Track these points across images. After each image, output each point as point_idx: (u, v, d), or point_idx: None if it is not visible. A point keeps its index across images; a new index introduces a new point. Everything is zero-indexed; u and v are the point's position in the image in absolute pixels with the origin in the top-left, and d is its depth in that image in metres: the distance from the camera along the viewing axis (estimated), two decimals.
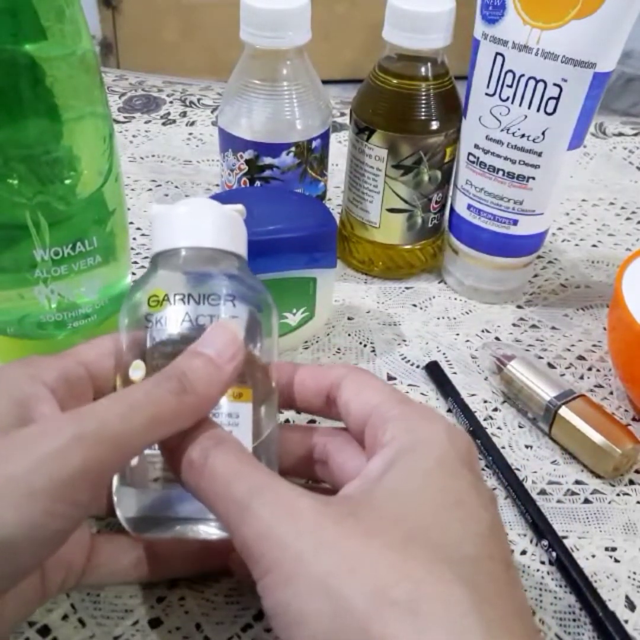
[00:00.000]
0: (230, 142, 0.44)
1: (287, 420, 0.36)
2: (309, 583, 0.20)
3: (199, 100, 0.69)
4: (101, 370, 0.27)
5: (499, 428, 0.38)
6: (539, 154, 0.40)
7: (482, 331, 0.44)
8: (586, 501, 0.34)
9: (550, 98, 0.38)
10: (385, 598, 0.19)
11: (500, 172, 0.41)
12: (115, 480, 0.26)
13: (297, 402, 0.29)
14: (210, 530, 0.25)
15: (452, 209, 0.46)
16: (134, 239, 0.50)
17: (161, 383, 0.23)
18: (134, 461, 0.25)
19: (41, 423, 0.23)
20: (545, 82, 0.38)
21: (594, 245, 0.53)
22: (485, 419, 0.38)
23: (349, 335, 0.43)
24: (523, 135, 0.40)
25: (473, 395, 0.39)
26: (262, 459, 0.26)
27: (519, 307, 0.46)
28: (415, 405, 0.26)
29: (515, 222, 0.43)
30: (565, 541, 0.32)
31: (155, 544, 0.28)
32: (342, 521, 0.21)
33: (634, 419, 0.39)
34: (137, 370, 0.26)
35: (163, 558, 0.28)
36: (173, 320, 0.26)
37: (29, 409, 0.24)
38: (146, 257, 0.48)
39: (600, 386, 0.41)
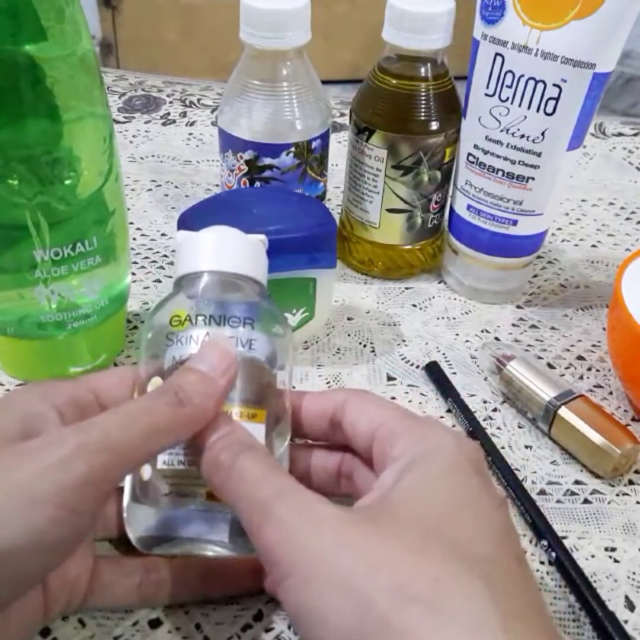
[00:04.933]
0: (230, 143, 0.44)
1: None
2: (330, 582, 0.21)
3: (199, 100, 0.69)
4: (112, 400, 0.27)
5: (498, 428, 0.38)
6: (539, 155, 0.40)
7: (482, 331, 0.44)
8: (586, 501, 0.34)
9: (549, 98, 0.38)
10: (406, 594, 0.20)
11: (500, 173, 0.41)
12: (126, 496, 0.27)
13: (304, 428, 0.29)
14: (217, 549, 0.26)
15: (451, 209, 0.46)
16: (134, 239, 0.50)
17: (158, 396, 0.24)
18: (146, 475, 0.26)
19: (47, 435, 0.23)
20: (544, 83, 0.38)
21: (594, 246, 0.53)
22: (484, 419, 0.38)
23: (349, 335, 0.43)
24: (522, 136, 0.40)
25: (473, 395, 0.39)
26: None
27: (519, 307, 0.46)
28: (421, 418, 0.27)
29: (514, 223, 0.43)
30: (564, 541, 0.32)
31: (157, 569, 0.28)
32: (360, 525, 0.22)
33: (633, 419, 0.39)
34: (154, 387, 0.26)
35: (165, 583, 0.28)
36: (194, 340, 0.27)
37: (35, 425, 0.24)
38: (146, 257, 0.48)
39: (599, 386, 0.41)
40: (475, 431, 0.36)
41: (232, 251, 0.29)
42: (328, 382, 0.40)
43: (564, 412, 0.35)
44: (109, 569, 0.27)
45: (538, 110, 0.39)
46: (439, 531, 0.22)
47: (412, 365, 0.41)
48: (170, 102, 0.68)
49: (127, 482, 0.27)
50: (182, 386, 0.25)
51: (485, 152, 0.41)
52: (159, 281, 0.47)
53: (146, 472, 0.26)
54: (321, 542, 0.21)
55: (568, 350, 0.43)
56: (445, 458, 0.24)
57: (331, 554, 0.21)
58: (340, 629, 0.20)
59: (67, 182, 0.31)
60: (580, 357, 0.42)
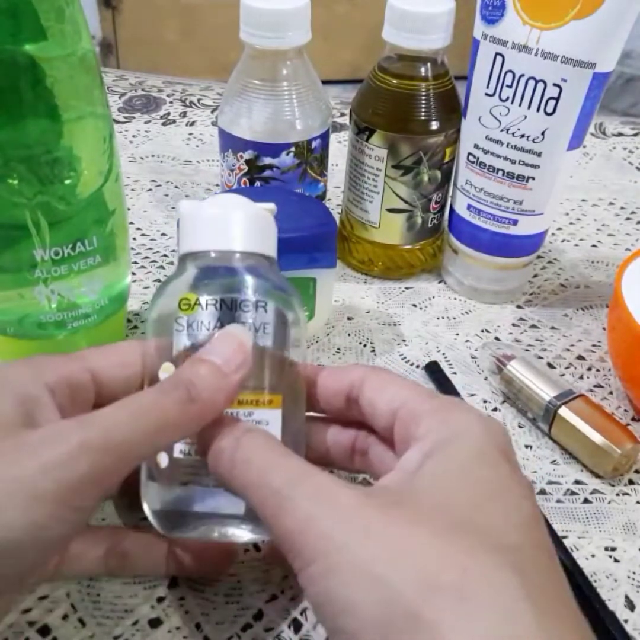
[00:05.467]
0: (230, 142, 0.44)
1: None
2: (355, 571, 0.20)
3: (199, 100, 0.69)
4: (109, 379, 0.27)
5: None
6: (539, 154, 0.40)
7: (482, 331, 0.44)
8: (586, 501, 0.34)
9: (550, 98, 0.38)
10: (434, 584, 0.20)
11: (500, 172, 0.41)
12: (143, 475, 0.26)
13: (321, 404, 0.29)
14: (237, 532, 0.25)
15: (452, 209, 0.46)
16: (134, 239, 0.50)
17: (168, 391, 0.24)
18: (163, 463, 0.25)
19: (48, 428, 0.23)
20: (545, 82, 0.38)
21: (594, 245, 0.53)
22: None
23: (349, 335, 0.43)
24: (523, 136, 0.40)
25: (473, 395, 0.39)
26: None
27: (519, 307, 0.46)
28: (446, 398, 0.26)
29: (514, 222, 0.43)
30: (565, 541, 0.32)
31: (123, 541, 0.27)
32: (385, 510, 0.21)
33: (633, 419, 0.39)
34: (166, 373, 0.26)
35: (130, 555, 0.28)
36: (205, 325, 0.26)
37: (31, 408, 0.24)
38: (146, 257, 0.48)
39: (600, 386, 0.41)
40: None
41: (239, 227, 0.28)
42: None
43: (564, 411, 0.35)
44: (79, 539, 0.27)
45: (538, 110, 0.39)
46: (467, 520, 0.21)
47: (412, 365, 0.41)
48: (170, 102, 0.68)
49: (144, 462, 0.26)
50: (193, 381, 0.24)
51: (486, 152, 0.41)
52: (159, 281, 0.47)
53: (163, 460, 0.25)
54: (344, 529, 0.21)
55: (568, 350, 0.43)
56: (473, 443, 0.24)
57: (355, 543, 0.21)
58: (366, 619, 0.20)
59: (67, 181, 0.31)
60: (580, 357, 0.42)
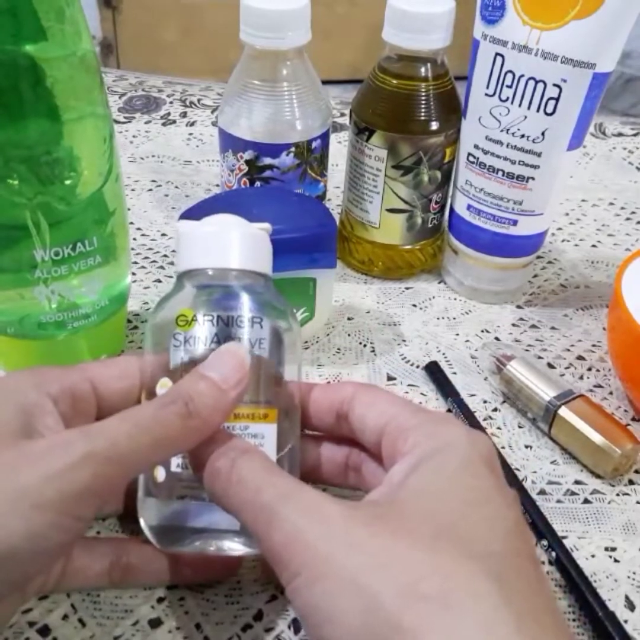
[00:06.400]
0: (230, 143, 0.44)
1: None
2: (339, 581, 0.20)
3: (199, 100, 0.69)
4: (109, 391, 0.27)
5: (498, 428, 0.38)
6: (539, 155, 0.40)
7: (482, 331, 0.44)
8: (586, 501, 0.34)
9: (549, 98, 0.38)
10: (416, 592, 0.20)
11: (500, 173, 0.41)
12: (140, 491, 0.27)
13: (312, 420, 0.29)
14: (233, 545, 0.26)
15: (451, 209, 0.46)
16: (134, 239, 0.50)
17: (168, 405, 0.24)
18: (160, 477, 0.26)
19: (51, 437, 0.23)
20: (545, 83, 0.38)
21: (594, 246, 0.53)
22: (485, 419, 0.38)
23: (349, 335, 0.43)
24: (523, 136, 0.40)
25: (473, 395, 0.39)
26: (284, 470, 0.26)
27: (519, 307, 0.46)
28: (433, 413, 0.27)
29: (514, 223, 0.43)
30: (564, 541, 0.32)
31: (127, 553, 0.28)
32: (370, 523, 0.22)
33: (633, 419, 0.39)
34: (164, 388, 0.26)
35: (134, 567, 0.28)
36: (202, 341, 0.27)
37: (33, 418, 0.24)
38: (146, 257, 0.48)
39: (599, 386, 0.41)
40: None
41: (236, 245, 0.28)
42: (328, 382, 0.40)
43: (564, 412, 0.35)
44: (82, 553, 0.27)
45: (538, 110, 0.39)
46: (450, 530, 0.22)
47: (412, 365, 0.41)
48: (171, 102, 0.68)
49: (141, 478, 0.27)
50: (192, 396, 0.24)
51: (485, 152, 0.41)
52: (159, 281, 0.47)
53: (160, 474, 0.26)
54: (329, 542, 0.21)
55: (568, 350, 0.43)
56: (458, 455, 0.24)
57: (340, 554, 0.21)
58: (348, 628, 0.20)
59: (67, 182, 0.31)
60: (580, 357, 0.42)
